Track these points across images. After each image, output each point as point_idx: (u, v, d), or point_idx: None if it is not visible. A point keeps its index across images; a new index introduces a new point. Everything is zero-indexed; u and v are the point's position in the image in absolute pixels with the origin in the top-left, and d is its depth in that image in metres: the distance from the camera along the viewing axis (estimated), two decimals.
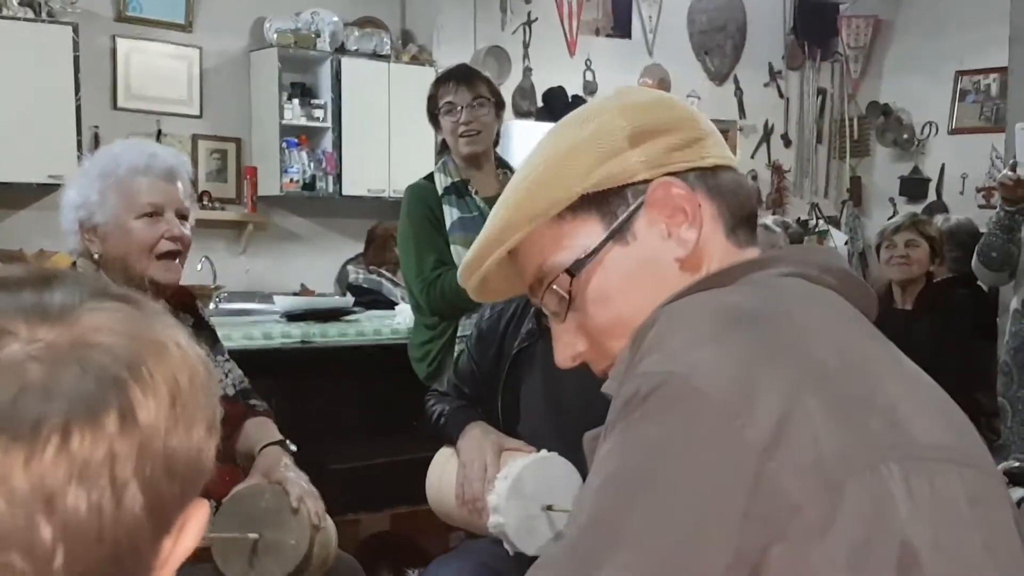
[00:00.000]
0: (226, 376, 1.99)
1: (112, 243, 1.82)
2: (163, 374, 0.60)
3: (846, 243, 7.35)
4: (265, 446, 1.89)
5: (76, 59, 4.94)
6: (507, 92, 6.52)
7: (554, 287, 0.91)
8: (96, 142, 5.22)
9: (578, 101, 6.48)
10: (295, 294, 5.46)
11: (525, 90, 6.52)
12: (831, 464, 0.72)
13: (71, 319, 0.58)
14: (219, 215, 5.64)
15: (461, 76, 2.76)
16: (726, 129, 6.86)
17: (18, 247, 4.85)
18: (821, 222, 7.57)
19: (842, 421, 0.74)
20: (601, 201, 0.88)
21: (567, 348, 0.94)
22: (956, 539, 0.75)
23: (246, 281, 5.57)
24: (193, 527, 0.62)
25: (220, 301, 4.56)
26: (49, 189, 4.87)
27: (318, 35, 5.68)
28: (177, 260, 1.85)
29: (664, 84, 6.90)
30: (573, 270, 0.89)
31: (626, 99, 0.94)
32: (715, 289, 0.85)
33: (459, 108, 2.72)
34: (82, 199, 1.82)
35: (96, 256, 1.84)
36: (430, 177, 2.85)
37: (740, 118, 7.46)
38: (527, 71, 6.52)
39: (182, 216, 1.86)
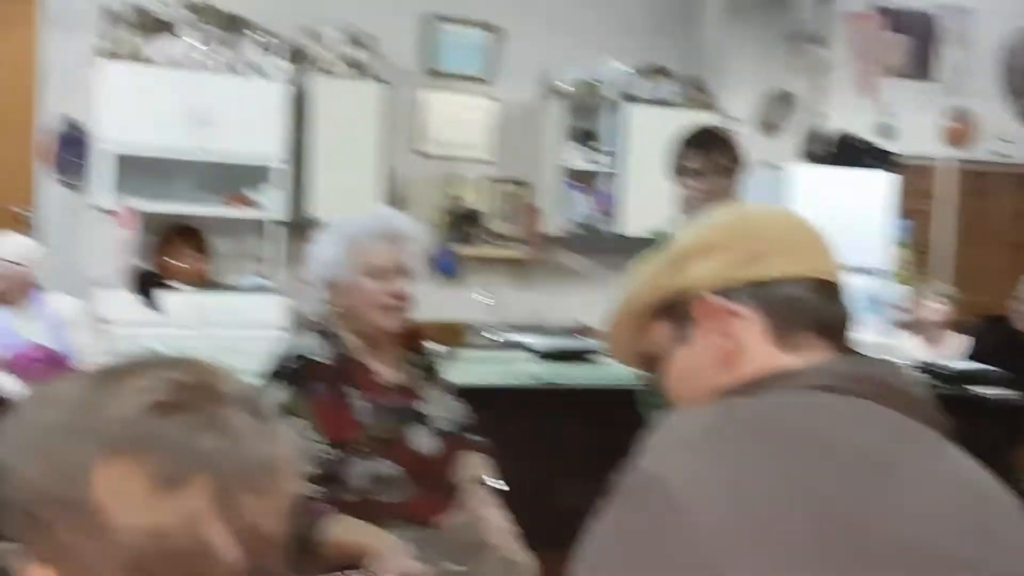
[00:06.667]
0: (445, 413, 2.19)
1: (348, 297, 2.07)
2: None
3: None
4: (471, 481, 2.09)
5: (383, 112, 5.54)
6: (797, 136, 6.43)
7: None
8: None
9: (868, 146, 6.26)
10: (570, 330, 5.73)
11: (815, 134, 6.39)
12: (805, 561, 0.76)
13: None
14: (505, 252, 6.07)
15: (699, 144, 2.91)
16: None
17: None
18: None
19: (824, 540, 0.78)
20: (671, 310, 1.05)
21: None
22: None
23: (528, 315, 5.91)
24: None
25: (495, 334, 4.91)
26: None
27: (603, 83, 5.96)
28: (401, 311, 2.08)
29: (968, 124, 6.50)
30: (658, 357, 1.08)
31: (706, 219, 1.09)
32: (728, 399, 0.95)
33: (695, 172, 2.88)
34: (325, 257, 2.07)
35: (337, 308, 2.09)
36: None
37: None
38: (816, 116, 6.41)
39: (405, 274, 2.07)
